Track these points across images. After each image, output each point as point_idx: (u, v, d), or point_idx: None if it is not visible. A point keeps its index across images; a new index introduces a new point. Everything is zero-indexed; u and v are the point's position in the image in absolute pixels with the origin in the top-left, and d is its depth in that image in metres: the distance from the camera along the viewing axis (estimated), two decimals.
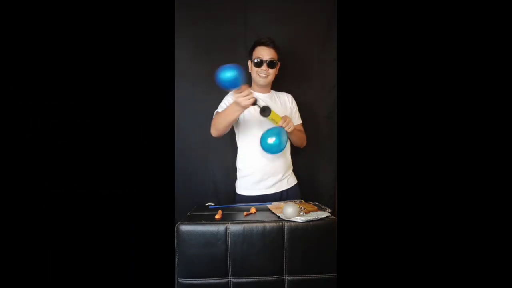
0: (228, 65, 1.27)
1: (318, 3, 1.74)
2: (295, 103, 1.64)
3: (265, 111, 1.30)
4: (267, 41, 1.49)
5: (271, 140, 1.35)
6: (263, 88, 1.57)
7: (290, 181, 1.57)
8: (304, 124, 1.70)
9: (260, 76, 1.50)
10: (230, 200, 1.62)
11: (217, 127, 1.42)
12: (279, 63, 1.53)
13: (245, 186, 1.55)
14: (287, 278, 1.03)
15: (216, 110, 1.52)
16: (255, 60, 1.49)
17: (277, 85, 1.67)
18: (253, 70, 1.52)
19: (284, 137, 1.37)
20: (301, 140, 1.61)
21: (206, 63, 1.74)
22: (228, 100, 1.52)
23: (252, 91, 1.29)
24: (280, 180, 1.54)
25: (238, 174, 1.59)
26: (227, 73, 1.24)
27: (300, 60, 1.78)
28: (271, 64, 1.48)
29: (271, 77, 1.51)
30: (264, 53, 1.48)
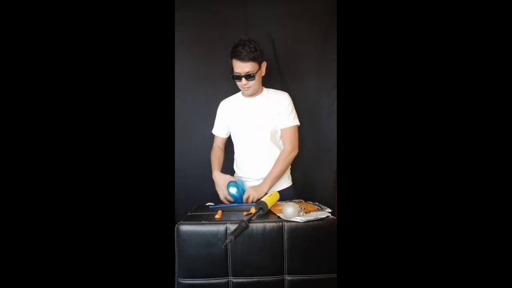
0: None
1: (318, 2, 1.74)
2: (291, 103, 1.54)
3: (262, 209, 1.15)
4: (242, 54, 1.38)
5: (233, 190, 1.46)
6: (252, 94, 1.54)
7: (280, 184, 1.56)
8: (303, 124, 1.69)
9: (243, 88, 1.48)
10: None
11: None
12: (264, 64, 1.49)
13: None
14: (287, 278, 1.03)
15: (213, 131, 1.65)
16: (234, 74, 1.44)
17: (277, 85, 1.67)
18: (235, 81, 1.48)
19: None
20: (286, 160, 1.52)
21: (206, 63, 1.75)
22: (220, 118, 1.62)
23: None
24: None
25: (234, 175, 1.66)
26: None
27: (300, 59, 1.78)
28: (249, 78, 1.43)
29: (254, 87, 1.48)
30: (240, 67, 1.41)
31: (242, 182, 1.51)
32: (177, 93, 1.60)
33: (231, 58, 1.44)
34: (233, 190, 1.45)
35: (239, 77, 1.44)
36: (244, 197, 1.44)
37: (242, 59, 1.39)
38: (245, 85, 1.45)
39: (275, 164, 1.51)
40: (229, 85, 1.63)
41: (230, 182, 1.47)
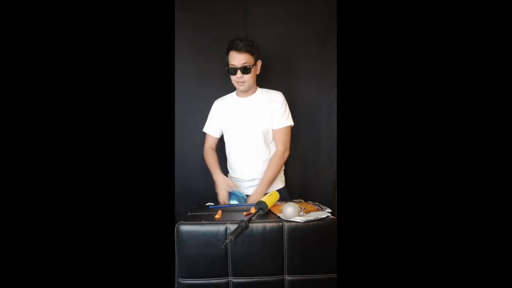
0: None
1: (318, 2, 1.74)
2: (285, 102, 1.54)
3: (262, 209, 1.15)
4: (238, 45, 1.40)
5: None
6: (246, 92, 1.53)
7: (273, 186, 1.55)
8: (304, 123, 1.69)
9: (237, 83, 1.47)
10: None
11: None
12: (259, 62, 1.49)
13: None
14: (287, 278, 1.03)
15: (205, 129, 1.62)
16: (229, 67, 1.44)
17: (276, 84, 1.66)
18: (230, 77, 1.48)
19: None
20: (277, 163, 1.52)
21: (206, 63, 1.75)
22: (213, 117, 1.60)
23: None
24: (259, 184, 1.53)
25: (228, 175, 1.66)
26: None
27: (299, 59, 1.78)
28: (245, 70, 1.42)
29: (249, 82, 1.47)
30: (236, 59, 1.41)
31: (241, 193, 1.48)
32: (177, 93, 1.60)
33: (228, 52, 1.44)
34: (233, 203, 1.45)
35: (234, 70, 1.43)
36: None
37: (239, 49, 1.40)
38: (240, 78, 1.44)
39: (268, 168, 1.50)
40: (229, 85, 1.63)
41: (231, 193, 1.46)
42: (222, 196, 1.46)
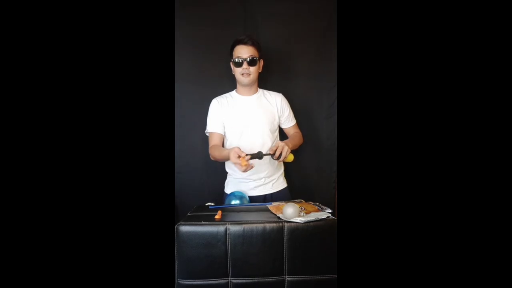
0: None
1: (318, 2, 1.74)
2: (287, 104, 1.60)
3: (258, 155, 1.31)
4: (245, 39, 1.47)
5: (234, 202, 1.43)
6: (249, 89, 1.54)
7: (275, 185, 1.56)
8: (303, 124, 1.69)
9: (242, 75, 1.48)
10: None
11: (215, 158, 1.50)
12: (261, 60, 1.52)
13: (230, 187, 1.57)
14: (287, 279, 1.03)
15: (207, 130, 1.55)
16: (235, 60, 1.48)
17: (276, 84, 1.66)
18: (235, 70, 1.50)
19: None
20: (299, 139, 1.61)
21: (205, 64, 1.75)
22: (215, 116, 1.53)
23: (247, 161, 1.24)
24: (264, 184, 1.54)
25: (227, 175, 1.63)
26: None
27: (299, 59, 1.78)
28: (251, 62, 1.46)
29: (253, 76, 1.49)
30: (243, 51, 1.46)
31: (242, 193, 1.47)
32: (177, 93, 1.60)
33: (233, 48, 1.49)
34: (236, 203, 1.43)
35: (240, 62, 1.46)
36: (278, 152, 1.33)
37: (245, 42, 1.47)
38: (245, 70, 1.46)
39: (293, 138, 1.57)
40: (229, 85, 1.63)
41: (231, 196, 1.45)
42: (234, 153, 1.26)
